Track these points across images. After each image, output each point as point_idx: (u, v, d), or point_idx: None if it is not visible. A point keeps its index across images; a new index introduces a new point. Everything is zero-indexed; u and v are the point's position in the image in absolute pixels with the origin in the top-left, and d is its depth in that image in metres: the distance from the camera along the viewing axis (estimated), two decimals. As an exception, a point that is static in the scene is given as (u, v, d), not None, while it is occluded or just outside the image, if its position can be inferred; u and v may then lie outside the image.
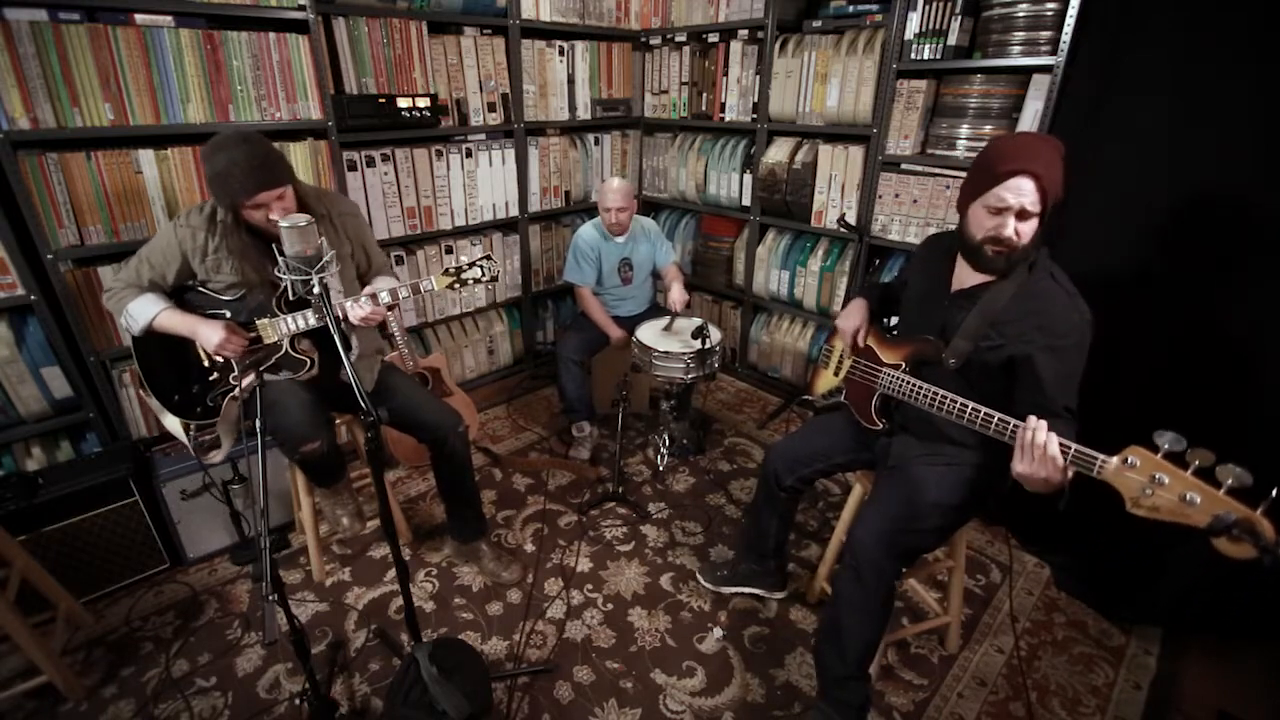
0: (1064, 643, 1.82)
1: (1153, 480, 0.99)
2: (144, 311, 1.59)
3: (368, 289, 1.66)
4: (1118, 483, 1.04)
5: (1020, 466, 1.16)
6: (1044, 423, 1.14)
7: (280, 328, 1.65)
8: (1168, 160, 1.69)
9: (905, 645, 1.81)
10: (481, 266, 1.65)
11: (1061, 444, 1.11)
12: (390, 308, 1.67)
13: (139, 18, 1.83)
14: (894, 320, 1.73)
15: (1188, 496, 0.96)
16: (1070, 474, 1.12)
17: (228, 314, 1.66)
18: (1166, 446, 0.97)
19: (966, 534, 1.64)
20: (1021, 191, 1.24)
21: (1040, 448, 1.12)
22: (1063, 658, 1.77)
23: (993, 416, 1.23)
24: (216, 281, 1.64)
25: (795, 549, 2.16)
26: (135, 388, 2.06)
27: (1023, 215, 1.26)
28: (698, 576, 2.01)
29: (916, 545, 1.43)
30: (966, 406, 1.28)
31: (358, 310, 1.62)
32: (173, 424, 1.72)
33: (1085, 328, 1.27)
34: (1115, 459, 1.04)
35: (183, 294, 1.67)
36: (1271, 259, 1.56)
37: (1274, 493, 0.91)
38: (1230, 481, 0.93)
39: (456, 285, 1.64)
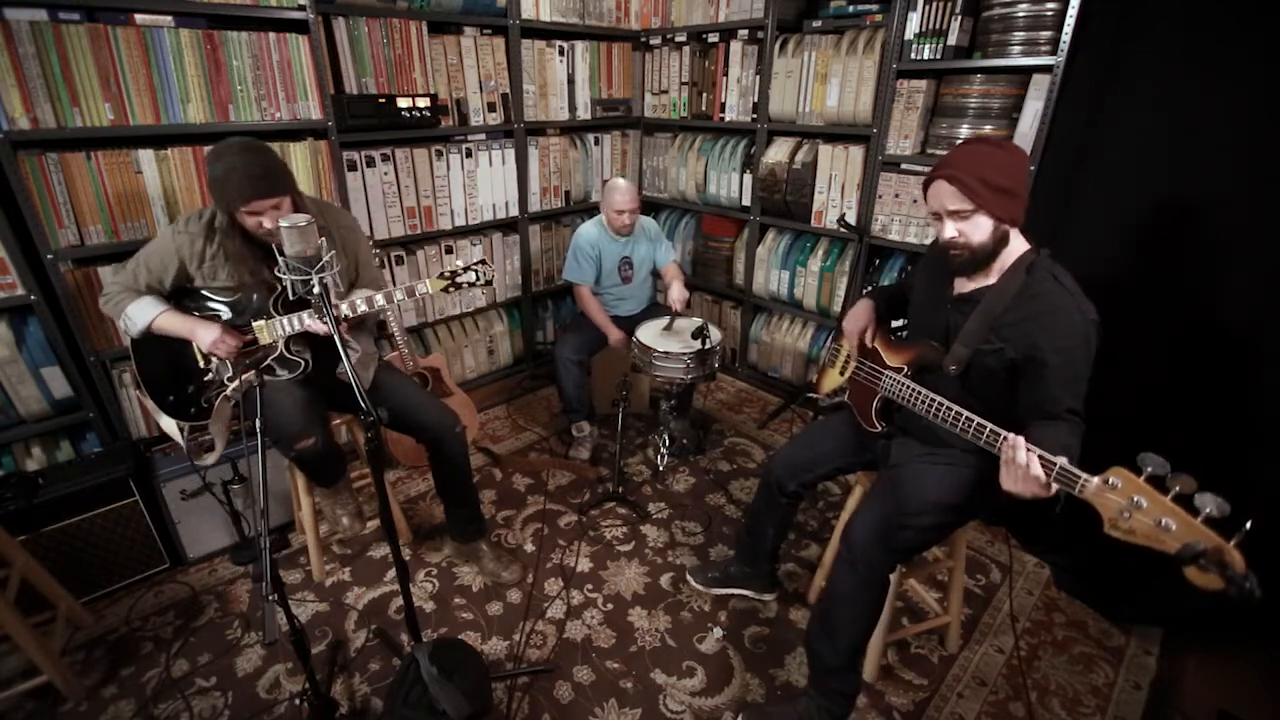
0: (1064, 643, 1.82)
1: (1131, 503, 0.97)
2: (143, 314, 1.63)
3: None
4: (1098, 503, 1.02)
5: (1005, 483, 1.16)
6: (1021, 439, 1.12)
7: (276, 329, 1.67)
8: (1168, 159, 1.69)
9: (905, 645, 1.81)
10: (476, 271, 1.67)
11: (1045, 461, 1.09)
12: (351, 318, 1.67)
13: (139, 18, 1.83)
14: (902, 322, 1.72)
15: (1163, 522, 0.94)
16: (1054, 489, 1.10)
17: (225, 315, 1.68)
18: (1149, 470, 0.96)
19: (966, 534, 1.63)
20: (939, 195, 1.29)
21: (1022, 466, 1.11)
22: (1063, 658, 1.77)
23: (984, 428, 1.22)
24: (213, 285, 1.67)
25: (795, 549, 2.16)
26: (135, 388, 2.06)
27: (954, 215, 1.29)
28: (688, 577, 2.00)
29: (913, 541, 1.42)
30: (961, 415, 1.27)
31: (316, 322, 1.62)
32: (169, 425, 1.74)
33: (1089, 328, 1.24)
34: (1097, 479, 1.02)
35: (181, 296, 1.69)
36: (1272, 257, 1.56)
37: (1248, 525, 0.88)
38: (1208, 510, 0.90)
39: (451, 289, 1.66)
